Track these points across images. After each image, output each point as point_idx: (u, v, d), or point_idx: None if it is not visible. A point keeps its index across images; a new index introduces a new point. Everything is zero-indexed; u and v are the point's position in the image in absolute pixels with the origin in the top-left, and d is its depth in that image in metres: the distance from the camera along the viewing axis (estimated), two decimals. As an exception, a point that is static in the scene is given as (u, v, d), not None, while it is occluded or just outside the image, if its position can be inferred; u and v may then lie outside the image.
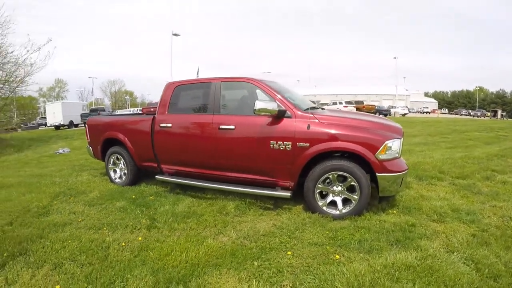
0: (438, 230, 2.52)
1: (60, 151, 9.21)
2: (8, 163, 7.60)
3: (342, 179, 2.79)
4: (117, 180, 4.40)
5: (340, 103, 25.17)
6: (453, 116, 40.86)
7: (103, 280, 1.92)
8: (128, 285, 1.88)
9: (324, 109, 3.83)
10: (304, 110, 3.03)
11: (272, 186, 3.03)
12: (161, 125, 3.64)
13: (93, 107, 33.25)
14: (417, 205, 3.03)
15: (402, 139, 2.86)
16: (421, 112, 48.13)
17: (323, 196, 2.89)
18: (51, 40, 12.50)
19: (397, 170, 2.70)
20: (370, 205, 3.00)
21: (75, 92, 66.08)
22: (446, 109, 64.31)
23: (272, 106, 2.80)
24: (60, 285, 1.92)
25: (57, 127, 24.07)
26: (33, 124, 35.05)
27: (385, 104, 43.41)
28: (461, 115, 45.84)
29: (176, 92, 3.73)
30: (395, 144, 2.71)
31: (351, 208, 2.78)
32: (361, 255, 2.14)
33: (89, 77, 56.88)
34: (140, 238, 2.54)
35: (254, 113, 2.82)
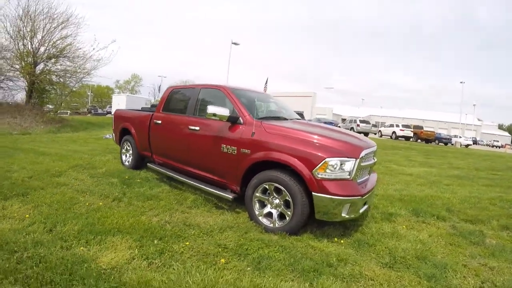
0: (370, 276, 2.06)
1: (107, 136, 10.08)
2: (60, 139, 9.44)
3: (279, 192, 2.66)
4: (126, 163, 5.18)
5: (397, 125, 23.32)
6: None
7: (53, 220, 2.61)
8: (65, 225, 2.52)
9: (300, 119, 3.79)
10: (258, 118, 3.06)
11: (224, 187, 3.16)
12: (155, 121, 4.24)
13: (154, 102, 37.37)
14: (375, 242, 2.59)
15: (357, 160, 2.50)
16: (490, 146, 40.95)
17: (264, 206, 2.82)
18: (115, 41, 15.18)
19: (339, 194, 2.37)
20: (320, 228, 2.77)
21: (148, 87, 71.72)
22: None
23: (224, 111, 2.93)
24: (29, 215, 2.70)
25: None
26: (103, 111, 37.55)
27: (454, 133, 38.21)
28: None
29: (171, 94, 4.29)
30: (342, 164, 2.42)
31: (284, 224, 2.60)
32: (248, 269, 2.01)
33: (159, 76, 63.11)
34: (100, 203, 3.13)
35: (205, 116, 3.07)
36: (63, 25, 13.72)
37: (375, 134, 25.87)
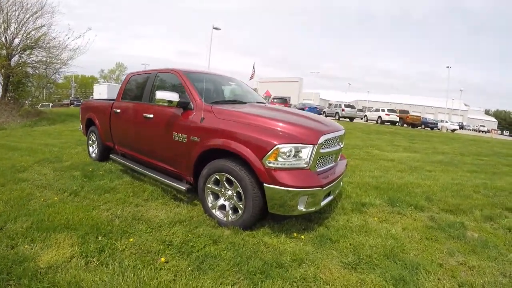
0: (326, 279, 1.81)
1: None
2: (35, 133, 9.12)
3: (231, 183, 2.41)
4: (93, 155, 4.92)
5: (383, 110, 22.98)
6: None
7: (5, 217, 2.49)
8: (16, 223, 2.41)
9: (262, 103, 3.49)
10: (211, 102, 2.80)
11: (180, 178, 2.94)
12: (114, 110, 3.97)
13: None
14: (339, 237, 2.31)
15: (315, 147, 2.23)
16: (476, 131, 41.24)
17: (218, 197, 2.58)
18: (90, 29, 14.70)
19: (294, 185, 2.10)
20: (279, 222, 2.52)
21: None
22: (508, 131, 53.51)
23: (173, 97, 2.67)
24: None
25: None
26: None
27: (441, 118, 38.70)
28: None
29: (130, 81, 3.99)
30: (297, 152, 2.16)
31: (237, 218, 2.36)
32: (188, 269, 1.82)
33: (142, 64, 61.63)
34: (56, 198, 2.99)
35: (154, 102, 2.81)
36: (37, 14, 13.04)
37: (361, 118, 25.52)
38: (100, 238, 2.16)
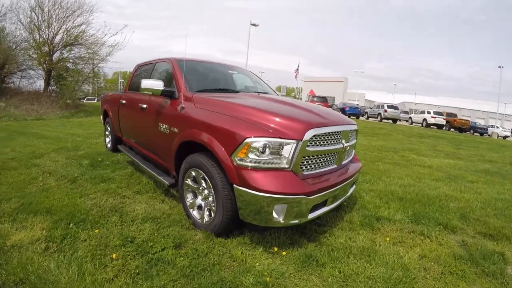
0: None
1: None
2: (69, 123, 9.88)
3: (207, 181, 2.09)
4: (108, 146, 5.06)
5: (429, 112, 21.39)
6: None
7: (1, 197, 2.66)
8: (8, 202, 2.54)
9: (263, 93, 3.11)
10: (196, 91, 2.54)
11: (168, 172, 2.78)
12: (121, 101, 3.98)
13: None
14: (328, 260, 1.82)
15: (299, 143, 1.79)
16: None
17: (196, 196, 2.30)
18: (127, 26, 15.76)
19: (265, 189, 1.68)
20: (261, 232, 2.11)
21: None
22: None
23: (157, 85, 2.50)
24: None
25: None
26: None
27: (492, 123, 34.15)
28: None
29: (137, 72, 3.95)
30: (273, 148, 1.75)
31: (210, 221, 2.05)
32: (132, 271, 1.63)
33: None
34: (53, 184, 3.07)
35: (140, 91, 2.67)
36: (78, 11, 14.21)
37: (406, 121, 24.10)
38: (71, 225, 2.14)
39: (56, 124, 9.34)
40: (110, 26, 14.95)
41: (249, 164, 1.75)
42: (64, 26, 13.98)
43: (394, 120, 21.45)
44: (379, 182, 3.80)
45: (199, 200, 2.20)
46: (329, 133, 2.02)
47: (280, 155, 1.77)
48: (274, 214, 1.73)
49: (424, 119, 21.19)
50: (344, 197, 2.29)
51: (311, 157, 1.93)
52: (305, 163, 1.90)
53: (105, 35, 14.98)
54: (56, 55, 14.41)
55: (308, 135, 1.83)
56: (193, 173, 2.16)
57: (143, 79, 2.57)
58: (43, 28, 13.72)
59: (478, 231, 2.52)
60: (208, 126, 2.02)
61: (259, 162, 1.75)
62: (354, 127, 2.43)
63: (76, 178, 3.28)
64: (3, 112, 10.93)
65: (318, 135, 1.93)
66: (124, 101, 3.87)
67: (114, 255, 1.76)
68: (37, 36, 13.83)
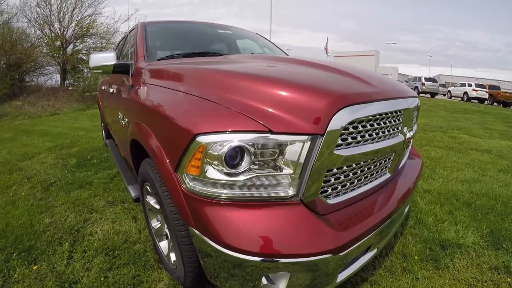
0: None
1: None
2: (82, 116, 9.68)
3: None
4: (104, 140, 4.55)
5: (470, 85, 19.36)
6: None
7: None
8: None
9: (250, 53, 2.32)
10: (157, 59, 1.76)
11: None
12: (102, 87, 3.40)
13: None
14: None
15: (320, 140, 0.85)
16: None
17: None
18: (137, 10, 15.12)
19: (244, 249, 0.84)
20: None
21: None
22: None
23: (107, 59, 1.73)
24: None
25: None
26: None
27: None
28: None
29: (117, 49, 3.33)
30: (275, 153, 0.87)
31: (175, 266, 1.30)
32: None
33: None
34: (23, 194, 2.65)
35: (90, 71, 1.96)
36: (88, 1, 13.89)
37: (444, 95, 22.09)
38: (14, 256, 1.67)
39: (68, 118, 9.25)
40: (119, 13, 14.56)
41: (210, 190, 0.89)
42: (75, 17, 13.78)
43: (432, 94, 19.85)
44: (435, 177, 2.87)
45: (165, 228, 1.44)
46: (381, 114, 1.05)
47: (276, 169, 0.87)
48: (265, 281, 0.90)
49: (465, 93, 19.32)
50: (398, 224, 1.37)
51: (345, 168, 0.98)
52: (332, 181, 0.96)
53: (115, 21, 14.54)
54: (69, 48, 14.35)
55: (340, 120, 0.87)
56: (150, 190, 1.41)
57: (92, 54, 1.81)
58: (54, 22, 13.62)
59: None
60: (150, 114, 1.26)
61: (229, 186, 0.88)
62: (417, 102, 1.42)
63: (52, 184, 2.84)
64: (19, 111, 11.05)
65: (361, 121, 0.97)
66: (104, 87, 3.26)
67: (35, 267, 1.41)
68: (48, 31, 13.77)
